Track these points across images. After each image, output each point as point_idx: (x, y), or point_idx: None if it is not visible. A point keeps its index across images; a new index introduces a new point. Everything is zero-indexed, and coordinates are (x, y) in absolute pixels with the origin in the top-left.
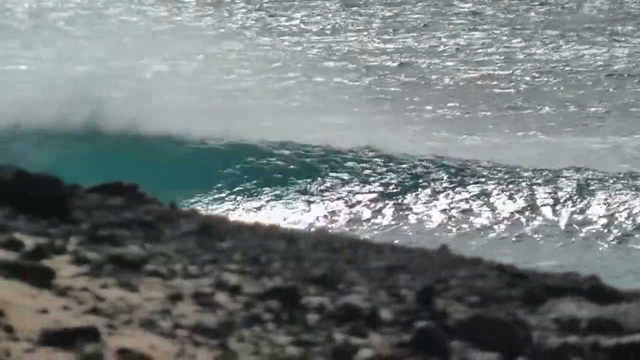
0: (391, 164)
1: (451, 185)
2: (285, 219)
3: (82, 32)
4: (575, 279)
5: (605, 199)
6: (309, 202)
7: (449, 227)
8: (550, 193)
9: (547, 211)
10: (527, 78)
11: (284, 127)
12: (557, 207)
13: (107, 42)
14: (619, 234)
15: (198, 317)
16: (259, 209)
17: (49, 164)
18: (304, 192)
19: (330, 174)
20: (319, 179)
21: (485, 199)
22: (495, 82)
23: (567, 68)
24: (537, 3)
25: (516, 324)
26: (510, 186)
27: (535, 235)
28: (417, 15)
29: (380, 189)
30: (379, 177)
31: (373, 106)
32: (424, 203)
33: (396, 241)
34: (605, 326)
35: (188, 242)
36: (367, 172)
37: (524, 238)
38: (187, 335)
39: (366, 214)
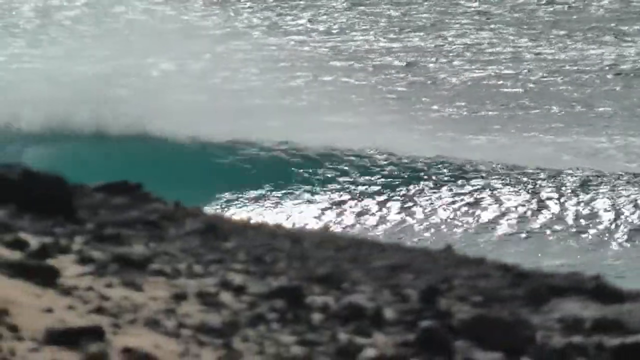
0: (397, 163)
1: (456, 185)
2: (289, 219)
3: (89, 30)
4: (579, 279)
5: (612, 199)
6: (314, 202)
7: (454, 227)
8: (556, 192)
9: (552, 211)
10: (535, 78)
11: (290, 127)
12: (563, 207)
13: (113, 40)
14: (626, 233)
15: (202, 317)
16: (263, 208)
17: (54, 163)
18: (310, 191)
19: (336, 173)
20: (324, 178)
21: (491, 199)
22: (503, 82)
23: (574, 68)
24: (544, 2)
25: (520, 323)
26: (516, 186)
27: (541, 235)
28: (424, 15)
29: (386, 188)
30: (384, 176)
31: (380, 106)
32: (429, 203)
33: (400, 239)
34: (609, 326)
35: (193, 241)
36: (372, 171)
37: (529, 238)
38: (192, 335)
39: (371, 213)
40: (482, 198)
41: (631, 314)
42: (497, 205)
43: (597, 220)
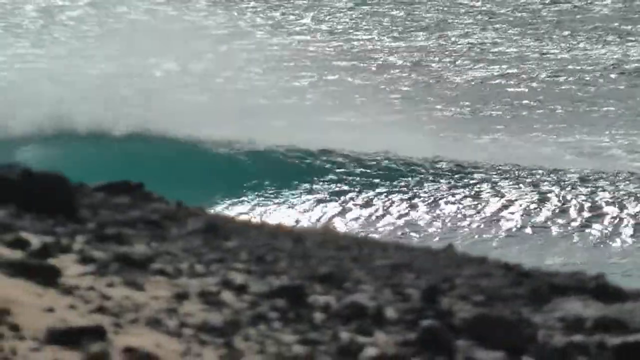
0: (400, 163)
1: (459, 185)
2: (291, 219)
3: (92, 30)
4: (580, 278)
5: (615, 198)
6: (316, 201)
7: (456, 226)
8: (559, 192)
9: (556, 210)
10: (538, 77)
11: (294, 127)
12: (567, 206)
13: (116, 41)
14: (631, 232)
15: (204, 316)
16: (265, 208)
17: (56, 163)
18: (312, 191)
19: (339, 173)
20: (327, 178)
21: (494, 198)
22: (506, 82)
23: (578, 67)
24: (548, 2)
25: (521, 322)
26: (520, 185)
27: (545, 234)
28: (427, 15)
29: (388, 188)
30: (387, 176)
31: (383, 105)
32: (431, 202)
33: (402, 239)
34: (611, 325)
35: (194, 241)
36: (375, 171)
37: (532, 237)
38: (193, 334)
39: (373, 213)
40: (485, 197)
41: (633, 313)
42: (500, 204)
43: (602, 219)
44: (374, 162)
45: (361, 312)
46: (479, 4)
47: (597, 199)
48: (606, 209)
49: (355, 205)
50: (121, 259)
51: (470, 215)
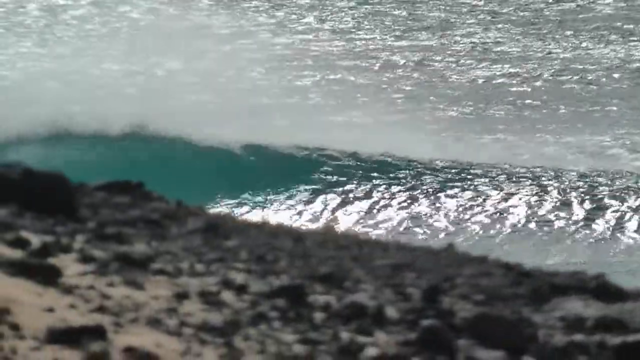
0: (402, 162)
1: (461, 184)
2: (292, 218)
3: (95, 29)
4: (581, 278)
5: (618, 197)
6: (317, 201)
7: (457, 226)
8: (562, 191)
9: (559, 209)
10: (541, 77)
11: (296, 126)
12: (570, 205)
13: (119, 40)
14: (635, 230)
15: (204, 316)
16: (266, 207)
17: (57, 163)
18: (313, 190)
19: (341, 172)
20: (328, 177)
21: (496, 198)
22: (509, 81)
23: (581, 67)
24: (551, 1)
25: (522, 322)
26: (522, 184)
27: (547, 234)
28: (430, 14)
29: (390, 187)
30: (389, 175)
31: (386, 105)
32: (433, 202)
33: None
34: (611, 325)
35: (194, 240)
36: (377, 170)
37: (534, 236)
38: (193, 334)
39: (374, 212)
40: (488, 197)
41: (633, 312)
42: (502, 204)
43: (604, 218)
44: (377, 162)
45: (361, 312)
46: (481, 3)
47: (599, 198)
48: (608, 208)
49: (357, 204)
50: (121, 259)
51: (473, 215)
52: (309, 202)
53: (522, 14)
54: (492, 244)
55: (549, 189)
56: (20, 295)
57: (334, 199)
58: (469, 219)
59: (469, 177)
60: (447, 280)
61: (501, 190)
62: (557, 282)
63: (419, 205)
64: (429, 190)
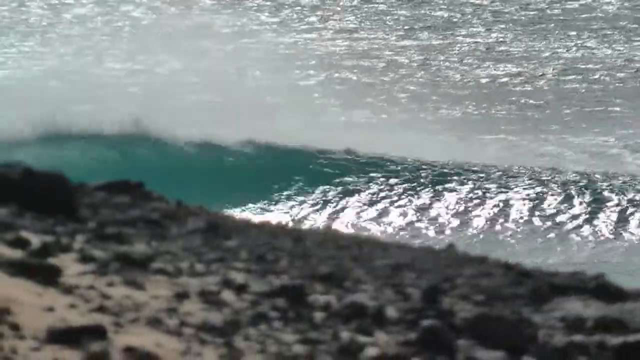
0: (405, 161)
1: (462, 183)
2: (292, 217)
3: (98, 29)
4: (581, 278)
5: (620, 197)
6: (318, 200)
7: (458, 225)
8: (564, 191)
9: (560, 209)
10: (546, 76)
11: (299, 126)
12: (570, 205)
13: (122, 39)
14: (633, 231)
15: (204, 315)
16: (266, 206)
17: (58, 163)
18: (315, 190)
19: (343, 171)
20: (331, 177)
21: (498, 197)
22: (513, 81)
23: (584, 66)
24: (554, 1)
25: (522, 322)
26: (524, 184)
27: (548, 233)
28: (435, 14)
29: (392, 187)
30: (391, 175)
31: (389, 105)
32: (434, 201)
33: (403, 238)
34: (611, 325)
35: (194, 240)
36: (379, 169)
37: (536, 236)
38: (193, 334)
39: (375, 211)
40: (489, 196)
41: (633, 312)
42: (504, 203)
43: (606, 218)
44: (378, 161)
45: (362, 312)
46: (485, 3)
47: (600, 198)
48: (610, 208)
49: (359, 204)
50: (121, 258)
51: (473, 214)
52: (310, 201)
53: (525, 14)
54: (493, 244)
55: (550, 189)
56: (20, 295)
57: (335, 198)
58: (470, 218)
59: (471, 176)
60: (447, 280)
61: (503, 190)
62: (557, 282)
63: (420, 204)
64: (431, 189)
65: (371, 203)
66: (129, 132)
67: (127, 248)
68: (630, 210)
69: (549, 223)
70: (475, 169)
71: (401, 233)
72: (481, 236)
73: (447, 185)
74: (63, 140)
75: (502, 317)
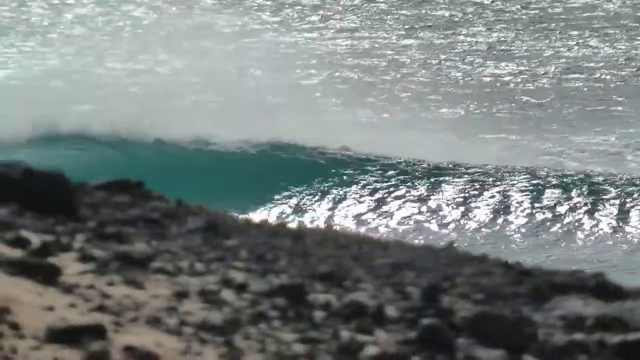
0: (406, 161)
1: (464, 183)
2: (292, 217)
3: (100, 29)
4: (581, 277)
5: (621, 196)
6: (318, 200)
7: (458, 224)
8: (565, 191)
9: (560, 208)
10: (548, 75)
11: (300, 125)
12: (573, 204)
13: (123, 39)
14: (634, 230)
15: (204, 315)
16: (268, 206)
17: (58, 162)
18: (316, 189)
19: (344, 171)
20: (332, 176)
21: (499, 197)
22: (515, 80)
23: (587, 65)
24: (556, 0)
25: (522, 321)
26: (525, 184)
27: (549, 233)
28: (437, 13)
29: (393, 186)
30: (392, 174)
31: (391, 104)
32: (435, 201)
33: (403, 237)
34: (611, 323)
35: (194, 239)
36: (380, 169)
37: (536, 235)
38: (193, 333)
39: (375, 211)
40: (490, 196)
41: (633, 311)
42: (505, 202)
43: (607, 217)
44: (379, 160)
45: (361, 311)
46: (486, 2)
47: (601, 198)
48: (610, 208)
49: (360, 203)
50: (121, 258)
51: (474, 215)
52: (311, 200)
53: (528, 12)
54: (493, 243)
55: (551, 188)
56: (20, 294)
57: (336, 198)
58: (470, 218)
59: (473, 176)
60: (447, 279)
61: (504, 189)
62: (557, 281)
63: (421, 203)
64: (433, 188)
65: (373, 201)
66: (130, 131)
67: (127, 247)
68: (631, 209)
69: (548, 222)
70: (477, 167)
71: (401, 231)
72: (481, 235)
73: (448, 184)
74: (63, 140)
75: (502, 315)
